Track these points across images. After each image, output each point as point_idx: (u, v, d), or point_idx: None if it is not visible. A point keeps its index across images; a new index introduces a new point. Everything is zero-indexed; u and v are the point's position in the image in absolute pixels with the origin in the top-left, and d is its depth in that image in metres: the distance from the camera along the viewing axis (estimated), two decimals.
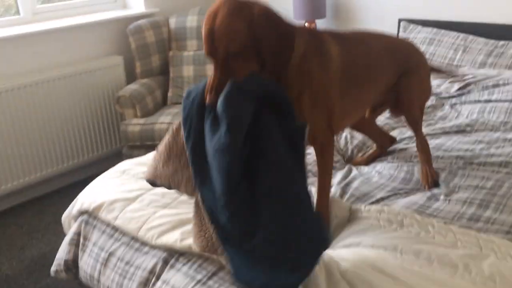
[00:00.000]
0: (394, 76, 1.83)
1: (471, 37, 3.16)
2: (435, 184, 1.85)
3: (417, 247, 1.44)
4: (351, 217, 1.65)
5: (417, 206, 1.72)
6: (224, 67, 1.34)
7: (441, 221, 1.59)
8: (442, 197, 1.76)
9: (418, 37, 3.37)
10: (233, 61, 1.33)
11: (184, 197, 1.78)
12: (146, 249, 1.65)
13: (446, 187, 1.82)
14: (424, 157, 1.93)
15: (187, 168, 1.42)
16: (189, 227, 1.63)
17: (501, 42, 3.04)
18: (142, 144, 3.40)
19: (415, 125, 1.95)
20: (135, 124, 3.40)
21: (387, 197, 1.79)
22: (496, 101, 2.58)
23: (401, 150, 2.17)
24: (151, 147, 3.33)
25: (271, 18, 1.35)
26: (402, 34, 3.51)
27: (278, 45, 1.35)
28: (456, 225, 1.57)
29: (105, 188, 1.92)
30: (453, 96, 2.80)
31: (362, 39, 1.74)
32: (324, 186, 1.59)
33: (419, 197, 1.78)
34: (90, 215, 1.88)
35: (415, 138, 1.99)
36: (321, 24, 4.05)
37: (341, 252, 1.44)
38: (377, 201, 1.77)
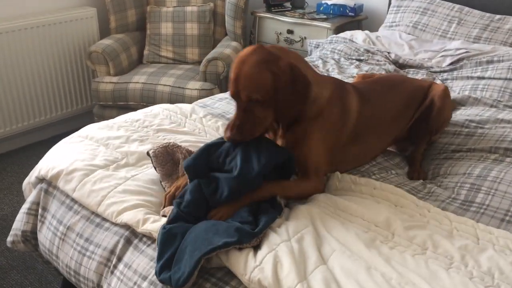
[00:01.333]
0: (410, 120, 1.90)
1: (466, 8, 3.01)
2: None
3: (411, 232, 1.37)
4: (341, 187, 1.60)
5: (409, 188, 1.62)
6: (244, 111, 1.44)
7: (433, 204, 1.52)
8: (430, 184, 1.67)
9: (412, 5, 3.20)
10: (253, 106, 1.43)
11: (152, 171, 1.65)
12: (107, 224, 1.50)
13: (434, 175, 1.74)
14: (418, 158, 1.85)
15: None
16: (153, 205, 1.51)
17: (497, 16, 2.90)
18: (115, 104, 3.21)
19: (428, 139, 1.92)
20: (107, 82, 3.19)
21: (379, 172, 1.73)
22: (489, 78, 2.45)
23: None
24: (124, 108, 3.15)
25: (294, 73, 1.42)
26: (394, 2, 3.33)
27: (292, 100, 1.44)
28: (449, 210, 1.49)
29: (65, 154, 1.74)
30: (444, 71, 2.66)
31: (382, 92, 1.82)
32: (282, 187, 1.49)
33: (408, 181, 1.70)
34: (49, 184, 1.71)
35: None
36: None
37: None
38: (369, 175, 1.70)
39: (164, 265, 1.28)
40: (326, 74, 2.62)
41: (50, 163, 1.72)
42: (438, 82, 2.56)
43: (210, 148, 1.49)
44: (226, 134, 1.46)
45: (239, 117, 1.44)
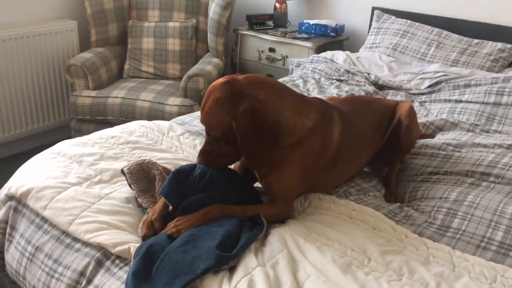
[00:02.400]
0: (382, 139, 1.89)
1: (445, 32, 3.06)
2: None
3: (388, 257, 1.35)
4: (321, 205, 1.59)
5: (386, 211, 1.61)
6: (209, 142, 1.47)
7: (410, 228, 1.51)
8: (407, 208, 1.67)
9: (392, 28, 3.24)
10: (216, 139, 1.44)
11: (126, 188, 1.61)
12: (78, 245, 1.45)
13: (411, 198, 1.74)
14: (393, 179, 1.85)
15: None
16: (128, 225, 1.47)
17: (475, 41, 2.95)
18: (93, 119, 3.16)
19: (400, 159, 1.92)
20: (85, 96, 3.15)
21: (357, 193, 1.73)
22: (467, 101, 2.48)
23: None
24: (102, 123, 3.11)
25: (256, 117, 1.37)
26: (375, 24, 3.37)
27: (254, 143, 1.40)
28: (426, 235, 1.49)
29: (36, 171, 1.69)
30: (423, 93, 2.69)
31: (359, 113, 1.81)
32: (244, 211, 1.46)
33: (386, 203, 1.69)
34: (18, 202, 1.66)
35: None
36: (291, 5, 3.87)
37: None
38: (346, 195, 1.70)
39: (140, 280, 1.24)
40: (307, 95, 2.63)
41: (20, 180, 1.67)
42: (416, 104, 2.58)
43: (179, 175, 1.47)
44: (197, 160, 1.50)
45: (205, 145, 1.48)
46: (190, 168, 1.49)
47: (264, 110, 1.40)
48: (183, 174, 1.47)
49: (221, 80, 1.44)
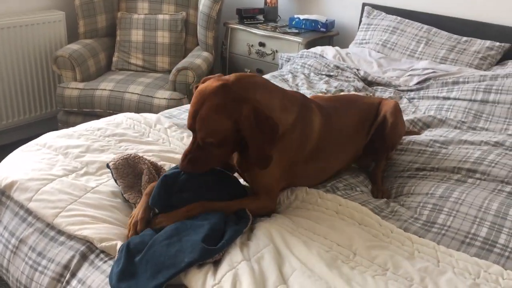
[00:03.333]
0: (367, 136, 1.89)
1: (434, 29, 3.07)
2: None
3: (373, 252, 1.36)
4: (308, 199, 1.59)
5: (373, 206, 1.62)
6: (198, 147, 1.40)
7: (396, 224, 1.52)
8: (393, 203, 1.68)
9: (382, 24, 3.24)
10: (208, 145, 1.38)
11: (112, 182, 1.60)
12: (62, 238, 1.44)
13: (398, 194, 1.75)
14: (379, 175, 1.86)
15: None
16: (115, 219, 1.46)
17: (464, 38, 2.96)
18: (80, 111, 3.13)
19: (386, 155, 1.93)
20: (73, 88, 3.11)
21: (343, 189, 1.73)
22: (454, 99, 2.50)
23: None
24: (90, 115, 3.08)
25: (259, 118, 1.36)
26: (365, 20, 3.37)
27: (262, 141, 1.39)
28: (411, 231, 1.49)
29: (21, 163, 1.67)
30: (411, 90, 2.70)
31: (341, 109, 1.80)
32: (230, 206, 1.46)
33: (372, 198, 1.70)
34: (2, 193, 1.64)
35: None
36: (282, 0, 3.86)
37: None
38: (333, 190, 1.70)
39: (124, 274, 1.23)
40: (296, 90, 2.62)
41: (4, 172, 1.65)
42: (405, 100, 2.59)
43: (168, 180, 1.44)
44: (180, 164, 1.42)
45: (192, 151, 1.40)
46: (178, 171, 1.46)
47: (263, 110, 1.40)
48: (170, 179, 1.44)
49: (212, 84, 1.37)
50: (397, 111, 1.90)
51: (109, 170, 1.61)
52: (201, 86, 1.39)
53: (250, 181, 1.54)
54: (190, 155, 1.40)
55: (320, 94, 2.24)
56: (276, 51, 3.49)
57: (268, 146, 1.41)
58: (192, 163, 1.40)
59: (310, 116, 1.60)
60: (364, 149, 1.89)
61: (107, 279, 1.29)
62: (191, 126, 1.39)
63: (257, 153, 1.39)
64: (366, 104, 1.94)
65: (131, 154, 1.64)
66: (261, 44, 3.56)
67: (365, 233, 1.45)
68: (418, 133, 2.24)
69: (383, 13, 3.33)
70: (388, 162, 1.95)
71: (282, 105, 1.50)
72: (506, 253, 1.41)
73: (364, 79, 2.81)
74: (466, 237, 1.48)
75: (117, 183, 1.56)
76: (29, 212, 1.54)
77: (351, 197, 1.67)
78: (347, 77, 2.78)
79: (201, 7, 3.43)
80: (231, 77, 1.42)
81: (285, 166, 1.54)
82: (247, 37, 3.63)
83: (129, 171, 1.59)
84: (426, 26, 3.10)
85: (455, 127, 2.27)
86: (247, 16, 3.73)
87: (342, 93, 2.53)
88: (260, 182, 1.50)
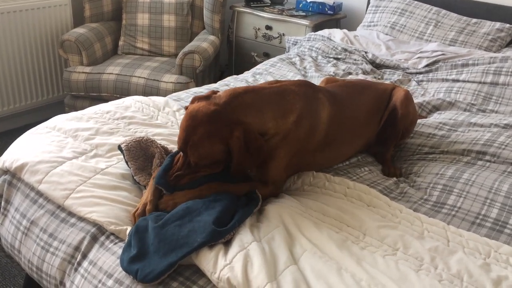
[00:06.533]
0: (379, 123, 1.87)
1: (443, 11, 3.03)
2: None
3: (382, 232, 1.36)
4: (315, 183, 1.59)
5: (382, 187, 1.62)
6: (189, 166, 1.42)
7: (406, 205, 1.52)
8: (403, 184, 1.67)
9: (390, 6, 3.20)
10: (201, 166, 1.41)
11: (122, 165, 1.60)
12: (73, 220, 1.45)
13: (407, 173, 1.74)
14: (388, 158, 1.85)
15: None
16: (125, 198, 1.47)
17: (474, 20, 2.93)
18: (87, 95, 3.13)
19: (396, 142, 1.90)
20: (79, 72, 3.11)
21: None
22: (464, 81, 2.47)
23: None
24: (97, 99, 3.08)
25: (247, 139, 1.38)
26: (373, 2, 3.33)
27: (247, 159, 1.41)
28: (421, 212, 1.49)
29: (30, 145, 1.68)
30: (420, 73, 2.68)
31: (353, 95, 1.79)
32: (241, 188, 1.48)
33: (381, 179, 1.69)
34: (13, 176, 1.65)
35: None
36: None
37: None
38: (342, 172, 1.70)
39: (135, 256, 1.24)
40: (304, 73, 2.61)
41: (15, 154, 1.65)
42: (413, 83, 2.57)
43: (174, 160, 1.46)
44: (168, 180, 1.43)
45: (181, 169, 1.42)
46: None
47: (252, 130, 1.41)
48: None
49: (203, 110, 1.37)
50: (408, 101, 1.87)
51: (119, 152, 1.62)
52: (192, 108, 1.39)
53: (257, 174, 1.54)
54: (179, 172, 1.42)
55: (333, 76, 2.20)
56: (283, 34, 3.47)
57: (250, 164, 1.43)
58: (178, 179, 1.43)
59: (317, 109, 1.58)
60: (376, 136, 1.88)
61: (118, 261, 1.29)
62: (183, 150, 1.40)
63: (237, 168, 1.41)
64: (380, 90, 1.92)
65: (143, 137, 1.64)
66: (268, 27, 3.54)
67: (374, 214, 1.45)
68: (425, 117, 2.22)
69: None
70: (396, 147, 1.94)
71: (277, 115, 1.49)
72: None
73: (372, 62, 2.78)
74: (477, 218, 1.48)
75: (128, 165, 1.56)
76: (39, 194, 1.55)
77: (359, 176, 1.67)
78: (355, 60, 2.75)
79: None
80: (221, 99, 1.41)
81: (293, 158, 1.55)
82: (254, 20, 3.60)
83: (140, 153, 1.59)
84: (435, 8, 3.06)
85: (465, 110, 2.25)
86: None
87: (350, 77, 2.52)
88: (267, 175, 1.52)
